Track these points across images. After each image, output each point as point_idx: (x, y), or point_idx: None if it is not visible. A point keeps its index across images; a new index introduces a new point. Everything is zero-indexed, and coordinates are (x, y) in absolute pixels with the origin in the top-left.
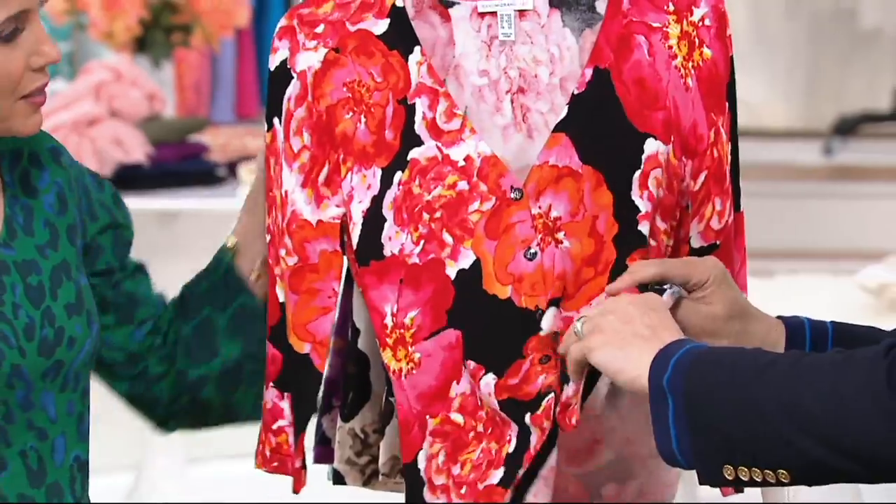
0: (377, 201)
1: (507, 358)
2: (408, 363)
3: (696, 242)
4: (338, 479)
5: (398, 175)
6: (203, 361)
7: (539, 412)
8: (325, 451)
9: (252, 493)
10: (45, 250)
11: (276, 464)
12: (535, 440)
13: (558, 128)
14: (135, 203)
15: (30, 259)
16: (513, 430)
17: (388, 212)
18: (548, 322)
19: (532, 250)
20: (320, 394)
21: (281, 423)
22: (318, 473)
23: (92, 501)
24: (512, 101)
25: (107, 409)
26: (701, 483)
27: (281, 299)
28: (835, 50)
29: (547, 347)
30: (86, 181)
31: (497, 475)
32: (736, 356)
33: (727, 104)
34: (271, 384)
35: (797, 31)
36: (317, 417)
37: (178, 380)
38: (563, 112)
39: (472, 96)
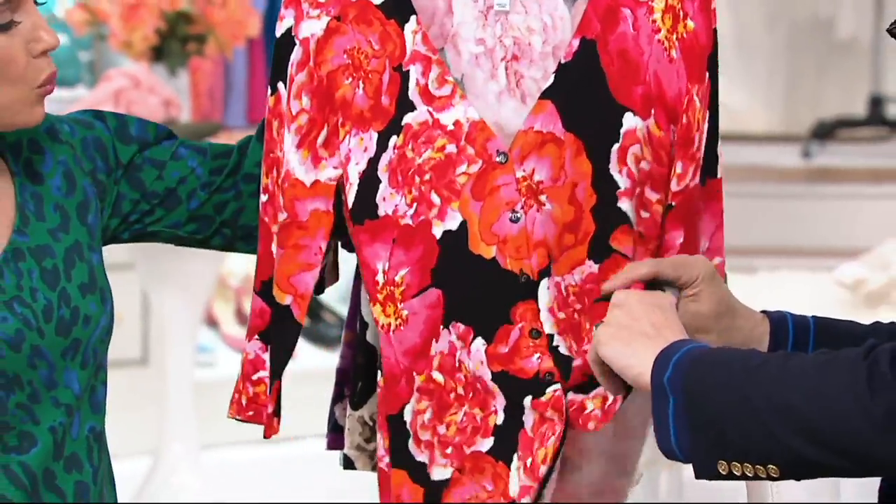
0: (373, 163)
1: (494, 321)
2: (396, 319)
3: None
4: (348, 464)
5: (393, 139)
6: None
7: (543, 399)
8: (337, 438)
9: (263, 477)
10: (56, 234)
11: (251, 413)
12: (530, 422)
13: (545, 95)
14: None
15: (43, 244)
16: (498, 402)
17: (383, 174)
18: (543, 293)
19: (517, 213)
20: (333, 382)
21: (261, 373)
22: (329, 460)
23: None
24: (506, 68)
25: (126, 398)
26: (697, 477)
27: (275, 255)
28: (812, 58)
29: (537, 320)
30: (96, 134)
31: (486, 444)
32: (732, 357)
33: (707, 74)
34: (256, 337)
35: (777, 40)
36: (329, 406)
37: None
38: (550, 80)
39: (469, 63)
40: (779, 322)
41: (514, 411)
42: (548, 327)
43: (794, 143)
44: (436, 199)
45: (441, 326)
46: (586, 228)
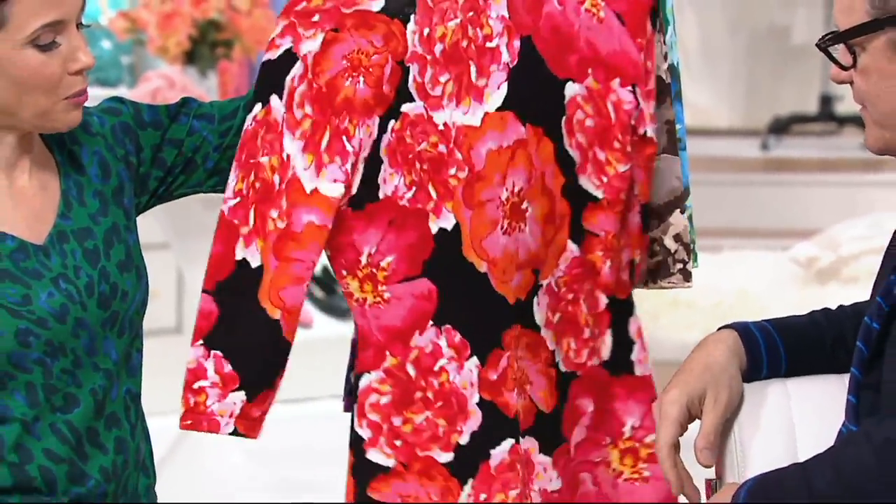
0: (375, 145)
1: (488, 341)
2: (374, 297)
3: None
4: None
5: (392, 122)
6: None
7: (522, 447)
8: (352, 401)
9: (283, 432)
10: (96, 217)
11: (189, 422)
12: (497, 462)
13: (502, 107)
14: None
15: (84, 227)
16: (469, 425)
17: (384, 155)
18: (536, 311)
19: (503, 231)
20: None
21: (202, 383)
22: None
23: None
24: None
25: (162, 362)
26: None
27: (254, 263)
28: (770, 62)
29: (516, 346)
30: (123, 119)
31: (444, 456)
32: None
33: (648, 26)
34: (199, 342)
35: (738, 45)
36: (346, 372)
37: None
38: (504, 90)
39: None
40: (750, 343)
41: (484, 442)
42: (548, 343)
43: (753, 137)
44: (433, 192)
45: (431, 322)
46: (561, 211)
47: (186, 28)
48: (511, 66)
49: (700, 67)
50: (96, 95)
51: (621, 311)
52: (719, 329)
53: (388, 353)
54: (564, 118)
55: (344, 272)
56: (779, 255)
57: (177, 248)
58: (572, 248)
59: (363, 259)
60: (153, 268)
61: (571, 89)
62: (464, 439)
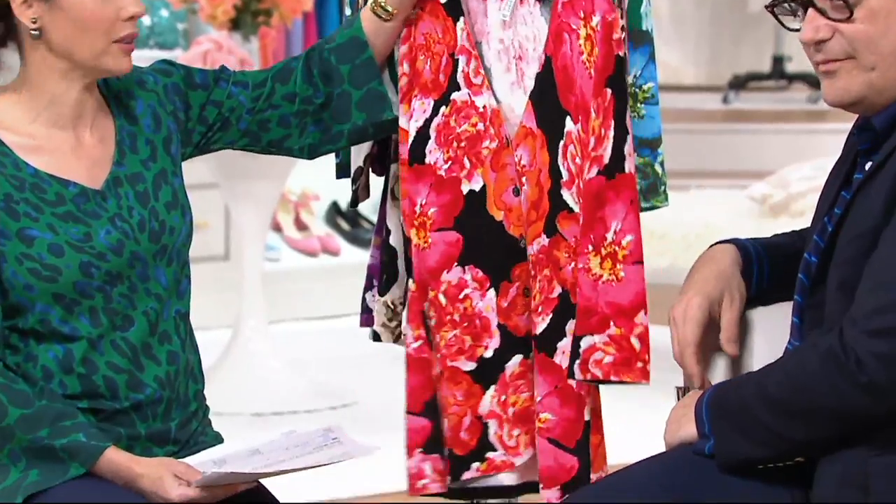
0: (427, 123)
1: (501, 277)
2: (424, 242)
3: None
4: (376, 337)
5: (443, 108)
6: (341, 122)
7: (528, 360)
8: (367, 318)
9: (312, 344)
10: (147, 163)
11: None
12: (510, 372)
13: (530, 97)
14: None
15: (136, 172)
16: (492, 343)
17: (432, 132)
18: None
19: (517, 188)
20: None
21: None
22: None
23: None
24: (516, 65)
25: (212, 285)
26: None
27: None
28: (730, 27)
29: (528, 279)
30: (174, 80)
31: (467, 364)
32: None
33: (609, 90)
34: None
35: (703, 13)
36: (362, 293)
37: (325, 132)
38: (532, 85)
39: (494, 56)
40: (747, 261)
41: (502, 357)
42: (534, 284)
43: (716, 92)
44: (467, 163)
45: (455, 263)
46: (544, 207)
47: None
48: (538, 72)
49: (670, 32)
50: (155, 56)
51: (568, 306)
52: (718, 243)
53: (429, 288)
54: (562, 143)
55: (408, 225)
56: (737, 193)
57: (223, 187)
58: (543, 238)
59: (417, 209)
60: (204, 204)
61: (570, 125)
62: (488, 353)
